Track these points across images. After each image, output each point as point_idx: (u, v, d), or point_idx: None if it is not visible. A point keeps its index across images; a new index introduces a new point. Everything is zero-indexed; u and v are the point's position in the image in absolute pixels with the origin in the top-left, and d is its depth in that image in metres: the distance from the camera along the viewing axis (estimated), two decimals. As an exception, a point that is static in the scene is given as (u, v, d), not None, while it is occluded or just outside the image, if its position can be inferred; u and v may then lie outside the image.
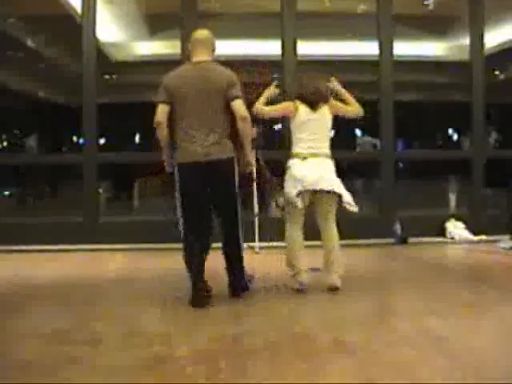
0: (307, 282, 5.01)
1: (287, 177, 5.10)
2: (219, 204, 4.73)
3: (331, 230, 5.10)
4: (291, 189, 5.00)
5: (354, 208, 5.06)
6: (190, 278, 4.63)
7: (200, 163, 4.55)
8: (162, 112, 4.63)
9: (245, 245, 7.43)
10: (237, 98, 4.58)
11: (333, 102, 5.25)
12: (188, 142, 4.60)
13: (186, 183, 4.63)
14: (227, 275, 4.86)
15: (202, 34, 4.83)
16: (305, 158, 5.03)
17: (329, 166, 5.09)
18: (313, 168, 4.99)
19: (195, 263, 4.64)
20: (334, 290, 4.97)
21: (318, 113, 5.12)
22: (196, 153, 4.56)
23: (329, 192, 5.00)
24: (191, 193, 4.63)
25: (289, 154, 5.19)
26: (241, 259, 4.86)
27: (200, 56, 4.72)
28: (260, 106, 5.16)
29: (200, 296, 4.56)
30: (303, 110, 5.11)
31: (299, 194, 4.98)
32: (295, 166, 5.05)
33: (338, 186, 5.04)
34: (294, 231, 5.10)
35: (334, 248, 5.08)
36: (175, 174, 4.68)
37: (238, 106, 4.57)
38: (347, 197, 5.04)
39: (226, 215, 4.77)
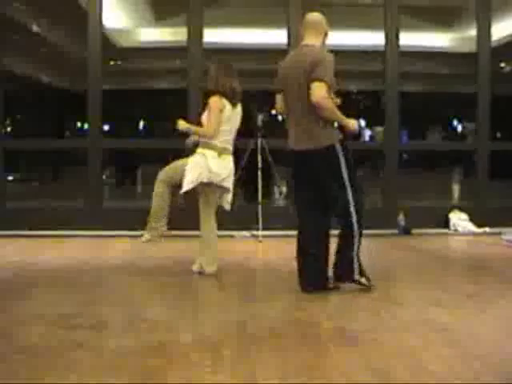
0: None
1: (195, 164, 5.12)
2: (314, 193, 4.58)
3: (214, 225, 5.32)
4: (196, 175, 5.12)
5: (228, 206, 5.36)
6: None
7: (295, 151, 4.52)
8: (278, 101, 4.68)
9: (247, 233, 7.48)
10: (315, 80, 4.29)
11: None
12: (290, 130, 4.58)
13: (294, 170, 4.63)
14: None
15: (312, 16, 4.65)
16: (220, 153, 5.15)
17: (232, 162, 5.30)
18: (225, 164, 5.18)
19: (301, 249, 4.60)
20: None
21: (235, 110, 5.22)
22: (292, 140, 4.55)
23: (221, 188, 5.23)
24: (297, 180, 4.64)
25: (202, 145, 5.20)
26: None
27: (307, 40, 4.58)
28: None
29: (303, 280, 4.50)
30: (227, 104, 5.15)
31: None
32: (212, 159, 5.10)
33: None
34: (208, 220, 5.25)
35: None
36: None
37: (312, 89, 4.29)
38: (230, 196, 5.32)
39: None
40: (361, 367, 2.95)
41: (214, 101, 5.11)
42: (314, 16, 4.66)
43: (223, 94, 5.11)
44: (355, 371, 2.90)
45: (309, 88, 4.30)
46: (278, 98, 4.67)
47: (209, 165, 5.06)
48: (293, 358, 3.10)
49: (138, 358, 3.12)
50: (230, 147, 5.27)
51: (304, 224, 4.57)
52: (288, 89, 4.51)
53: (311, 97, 4.28)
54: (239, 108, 5.28)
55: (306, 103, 4.37)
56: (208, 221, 5.21)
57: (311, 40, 4.56)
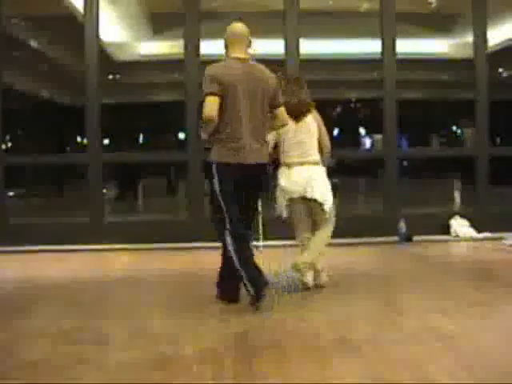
0: (309, 280, 5.00)
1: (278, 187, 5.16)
2: (247, 203, 4.52)
3: (317, 233, 5.11)
4: (280, 198, 5.15)
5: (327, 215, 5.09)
6: (246, 276, 4.32)
7: (242, 165, 4.33)
8: (213, 105, 4.24)
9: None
10: (282, 104, 4.56)
11: (315, 113, 5.16)
12: (234, 142, 4.33)
13: (225, 182, 4.36)
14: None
15: (240, 28, 4.53)
16: (290, 167, 5.05)
17: (316, 172, 5.06)
18: (299, 176, 5.01)
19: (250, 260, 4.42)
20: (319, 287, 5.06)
21: (301, 122, 5.05)
22: (241, 155, 4.33)
23: (312, 199, 5.05)
24: (230, 191, 4.37)
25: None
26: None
27: (240, 53, 4.47)
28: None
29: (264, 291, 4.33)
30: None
31: (288, 203, 5.10)
32: (283, 178, 5.07)
33: (320, 193, 5.03)
34: (298, 234, 5.20)
35: (311, 247, 5.04)
36: (213, 171, 4.40)
37: (282, 113, 4.55)
38: (326, 206, 5.06)
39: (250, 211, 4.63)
40: (365, 377, 2.94)
41: None
42: (243, 28, 4.55)
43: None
44: (358, 382, 2.89)
45: (272, 108, 4.50)
46: (215, 100, 4.26)
47: (280, 184, 5.05)
48: (295, 369, 3.09)
49: (141, 371, 3.12)
50: (300, 159, 5.02)
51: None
52: (242, 99, 4.32)
53: (284, 121, 4.60)
54: (307, 119, 5.05)
55: (261, 118, 4.43)
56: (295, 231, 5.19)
57: (243, 53, 4.48)
